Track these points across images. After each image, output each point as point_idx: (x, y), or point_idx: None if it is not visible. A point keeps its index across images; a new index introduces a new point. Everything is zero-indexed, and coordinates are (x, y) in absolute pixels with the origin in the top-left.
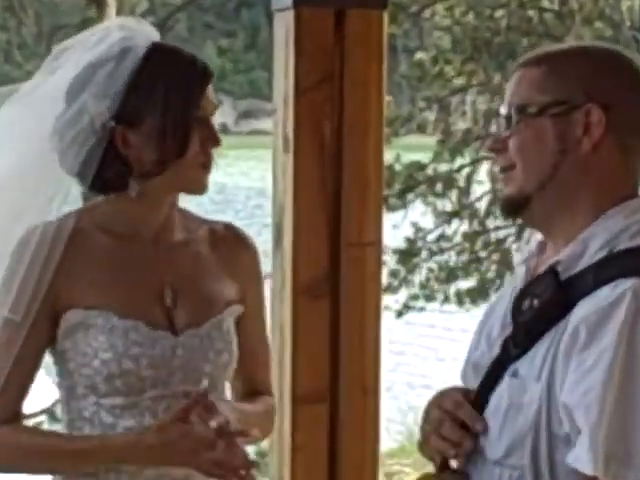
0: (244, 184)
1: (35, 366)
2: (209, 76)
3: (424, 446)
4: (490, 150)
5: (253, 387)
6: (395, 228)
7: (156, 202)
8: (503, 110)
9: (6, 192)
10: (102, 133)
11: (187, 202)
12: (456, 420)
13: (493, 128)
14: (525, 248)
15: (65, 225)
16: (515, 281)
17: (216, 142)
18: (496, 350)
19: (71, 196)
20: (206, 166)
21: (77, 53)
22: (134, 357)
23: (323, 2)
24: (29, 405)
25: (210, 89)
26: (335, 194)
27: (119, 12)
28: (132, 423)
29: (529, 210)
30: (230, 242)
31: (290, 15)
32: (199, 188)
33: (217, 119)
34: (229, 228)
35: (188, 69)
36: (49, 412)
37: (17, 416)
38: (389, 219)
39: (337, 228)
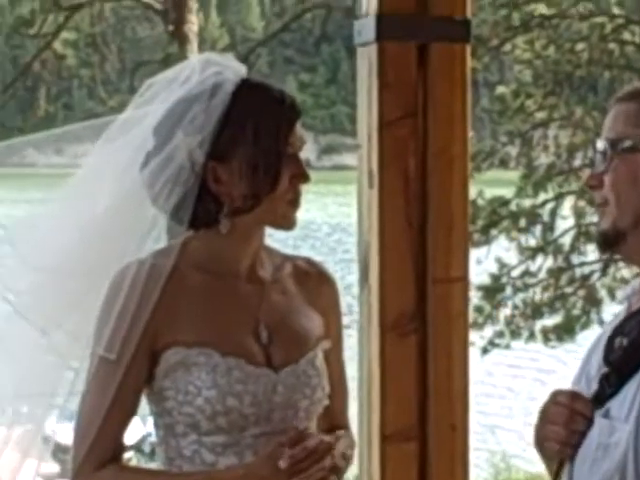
0: (324, 219)
1: (134, 405)
2: (297, 112)
3: (546, 444)
4: (587, 186)
5: (333, 421)
6: (479, 264)
7: (246, 238)
8: (600, 145)
9: (100, 232)
10: (195, 170)
11: (268, 237)
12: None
13: (576, 162)
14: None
15: (162, 264)
16: (616, 318)
17: (305, 178)
18: (593, 388)
19: (161, 232)
20: (295, 202)
21: (167, 89)
22: (238, 395)
23: (406, 36)
24: None
25: (298, 125)
26: (420, 230)
27: (200, 48)
28: (233, 461)
29: (624, 245)
30: (313, 277)
31: (373, 50)
32: (288, 224)
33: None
34: (310, 263)
35: (277, 105)
36: (136, 448)
37: (118, 455)
38: (473, 255)
39: (423, 264)
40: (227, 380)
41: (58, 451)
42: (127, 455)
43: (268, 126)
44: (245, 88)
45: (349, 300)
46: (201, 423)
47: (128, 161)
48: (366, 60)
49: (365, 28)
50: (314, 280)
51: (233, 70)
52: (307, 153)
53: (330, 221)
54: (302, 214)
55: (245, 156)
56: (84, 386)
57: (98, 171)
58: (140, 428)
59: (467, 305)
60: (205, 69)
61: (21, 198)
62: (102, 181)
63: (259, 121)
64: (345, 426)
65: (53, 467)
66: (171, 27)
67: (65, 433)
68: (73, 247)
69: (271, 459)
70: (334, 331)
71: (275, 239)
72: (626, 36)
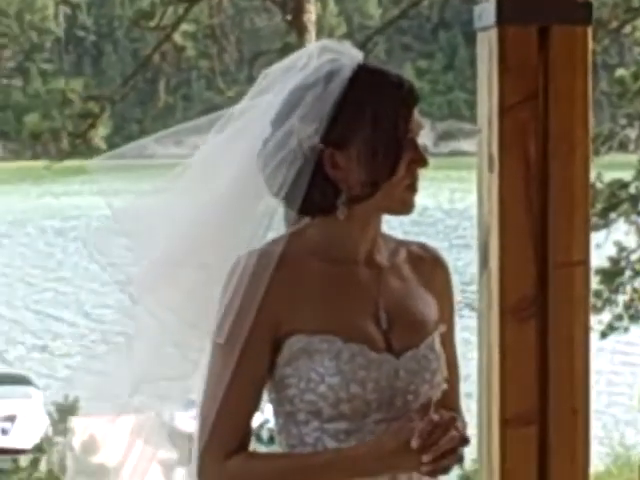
0: (439, 204)
1: (258, 393)
2: (416, 97)
3: None
4: None
5: (447, 404)
6: (598, 248)
7: (364, 224)
8: None
9: (215, 220)
10: (310, 156)
11: (383, 222)
12: None
13: None
14: None
15: (272, 250)
16: None
17: (423, 163)
18: None
19: (276, 220)
20: (413, 187)
21: (284, 77)
22: (361, 381)
23: (527, 19)
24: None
25: (415, 110)
26: (541, 213)
27: (318, 37)
28: None
29: None
30: (427, 262)
31: (493, 33)
32: (406, 209)
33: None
34: (425, 248)
35: (395, 90)
36: (255, 435)
37: (245, 443)
38: (591, 238)
39: (544, 248)
40: (350, 367)
41: (177, 438)
42: None
43: (386, 111)
44: (362, 73)
45: (458, 285)
46: (323, 410)
47: (245, 149)
48: (486, 44)
49: (485, 12)
50: (428, 265)
51: (350, 56)
52: (424, 139)
53: (444, 206)
54: (418, 199)
55: (363, 142)
56: (206, 375)
57: (213, 160)
58: (257, 415)
59: (589, 289)
60: (321, 56)
61: (138, 189)
62: (217, 170)
63: (377, 106)
64: (458, 409)
65: (172, 454)
66: (289, 17)
67: (184, 421)
68: (187, 235)
69: (399, 434)
70: (448, 314)
71: (390, 226)
72: None
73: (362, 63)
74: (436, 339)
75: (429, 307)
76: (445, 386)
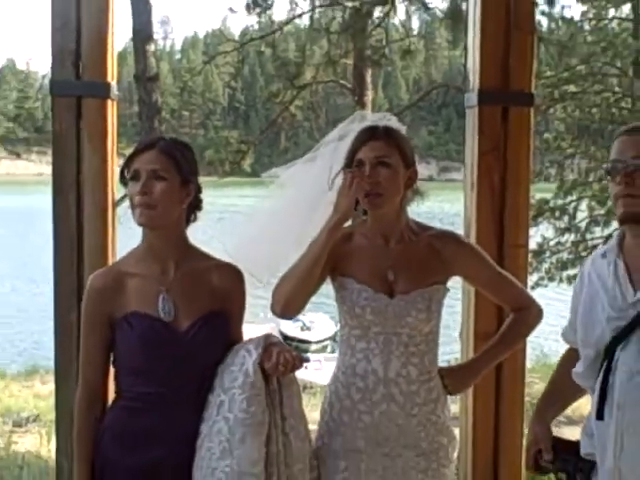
0: (437, 211)
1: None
2: (375, 132)
3: None
4: (627, 184)
5: (513, 306)
6: (531, 238)
7: (372, 218)
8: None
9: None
10: None
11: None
12: None
13: (589, 179)
14: None
15: (349, 229)
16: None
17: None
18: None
19: None
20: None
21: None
22: (361, 306)
23: (495, 103)
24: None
25: (383, 141)
26: (500, 216)
27: (372, 109)
28: (364, 346)
29: None
30: (445, 241)
31: (475, 111)
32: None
33: None
34: (443, 232)
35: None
36: (332, 339)
37: None
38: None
39: (501, 234)
40: (356, 297)
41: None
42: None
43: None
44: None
45: None
46: (348, 321)
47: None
48: (471, 116)
49: (471, 98)
50: (445, 244)
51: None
52: (431, 171)
53: (434, 212)
54: (424, 207)
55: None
56: None
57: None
58: (332, 326)
59: (527, 261)
60: (358, 121)
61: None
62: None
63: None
64: (525, 306)
65: None
66: (356, 97)
67: (291, 328)
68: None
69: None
70: (473, 266)
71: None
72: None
73: (371, 125)
74: (432, 293)
75: (432, 273)
76: (434, 321)
